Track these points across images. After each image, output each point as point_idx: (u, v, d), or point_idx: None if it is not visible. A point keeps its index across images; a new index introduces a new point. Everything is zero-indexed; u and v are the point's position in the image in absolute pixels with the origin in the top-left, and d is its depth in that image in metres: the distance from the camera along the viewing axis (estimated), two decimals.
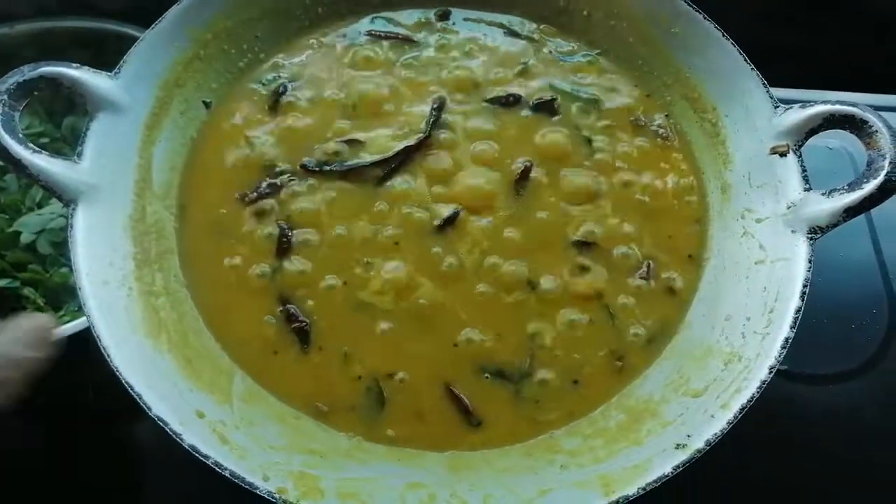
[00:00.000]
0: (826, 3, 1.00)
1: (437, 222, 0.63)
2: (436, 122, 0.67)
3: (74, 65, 0.59)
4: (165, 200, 0.63)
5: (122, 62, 0.62)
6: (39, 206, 0.82)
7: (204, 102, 0.68)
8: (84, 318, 0.54)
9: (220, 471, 0.49)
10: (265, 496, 0.49)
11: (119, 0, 0.91)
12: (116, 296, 0.56)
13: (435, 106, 0.68)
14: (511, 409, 0.59)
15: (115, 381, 0.51)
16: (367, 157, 0.66)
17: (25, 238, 0.79)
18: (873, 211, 0.67)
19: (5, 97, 0.55)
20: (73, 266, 0.55)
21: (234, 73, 0.69)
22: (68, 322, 0.69)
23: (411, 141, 0.66)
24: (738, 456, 0.69)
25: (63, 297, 0.78)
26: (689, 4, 0.67)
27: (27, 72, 0.57)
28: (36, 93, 0.57)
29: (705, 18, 0.66)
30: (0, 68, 0.71)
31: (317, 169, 0.65)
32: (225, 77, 0.69)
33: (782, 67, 0.83)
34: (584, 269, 0.63)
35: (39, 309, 0.76)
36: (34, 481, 0.73)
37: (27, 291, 0.77)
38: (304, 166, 0.65)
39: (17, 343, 0.47)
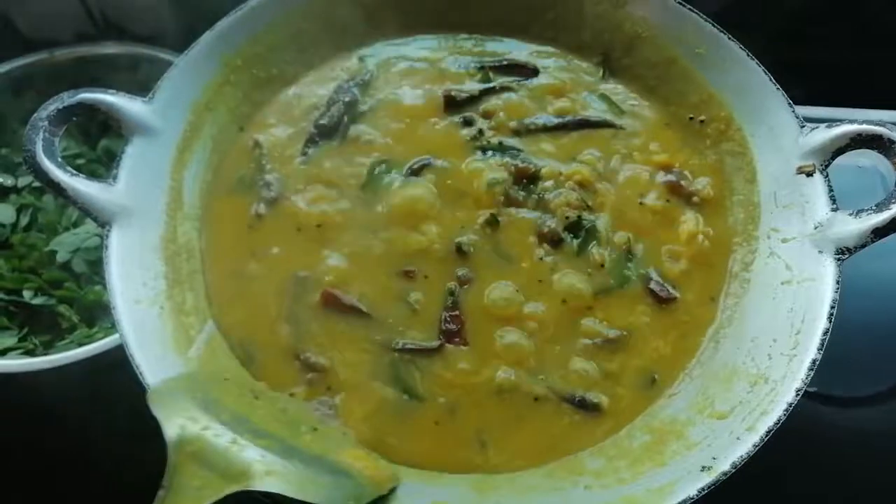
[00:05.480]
0: (854, 20, 1.00)
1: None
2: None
3: (111, 91, 0.61)
4: (196, 221, 0.65)
5: (156, 87, 0.64)
6: (75, 225, 0.85)
7: (238, 127, 0.69)
8: (117, 336, 0.56)
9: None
10: None
11: (154, 27, 0.94)
12: (148, 314, 0.57)
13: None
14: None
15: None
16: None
17: (61, 257, 0.81)
18: None
19: (46, 123, 0.58)
20: (108, 285, 0.56)
21: (264, 98, 0.71)
22: (101, 339, 0.71)
23: None
24: (769, 479, 0.68)
25: (97, 315, 0.80)
26: (713, 25, 0.67)
27: (66, 99, 0.59)
28: (74, 118, 0.60)
29: (730, 39, 0.67)
30: (43, 93, 0.74)
31: None
32: (255, 101, 0.70)
33: (812, 85, 0.83)
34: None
35: (74, 326, 0.79)
36: (64, 496, 0.75)
37: (62, 308, 0.79)
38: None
39: None
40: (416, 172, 0.67)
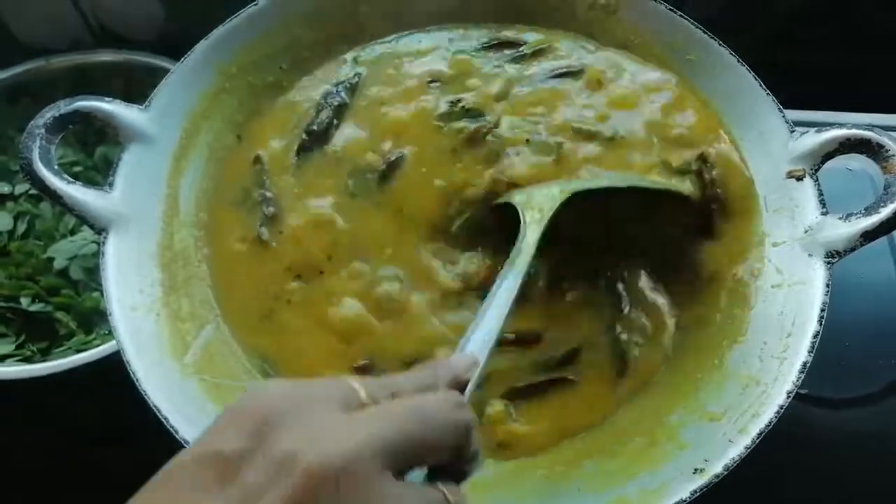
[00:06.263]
0: (847, 22, 1.01)
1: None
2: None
3: (107, 99, 0.62)
4: (192, 228, 0.65)
5: (152, 95, 0.64)
6: (72, 232, 0.85)
7: (235, 136, 0.70)
8: (114, 342, 0.56)
9: None
10: None
11: (149, 34, 0.95)
12: (145, 321, 0.58)
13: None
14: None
15: (142, 403, 0.53)
16: None
17: (59, 264, 0.82)
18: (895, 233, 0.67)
19: (42, 131, 0.58)
20: (104, 292, 0.57)
21: (260, 105, 0.71)
22: (99, 345, 0.72)
23: None
24: (762, 482, 0.68)
25: (94, 321, 0.80)
26: (703, 31, 0.68)
27: (63, 106, 0.60)
28: (71, 126, 0.60)
29: (720, 45, 0.67)
30: (39, 100, 0.74)
31: None
32: (251, 108, 0.71)
33: (805, 87, 0.83)
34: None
35: (71, 332, 0.79)
36: (64, 497, 0.75)
37: (60, 315, 0.79)
38: None
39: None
40: (390, 169, 0.66)
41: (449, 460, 0.36)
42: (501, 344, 0.54)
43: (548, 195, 0.59)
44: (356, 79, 0.71)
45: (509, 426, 0.59)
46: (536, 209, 0.58)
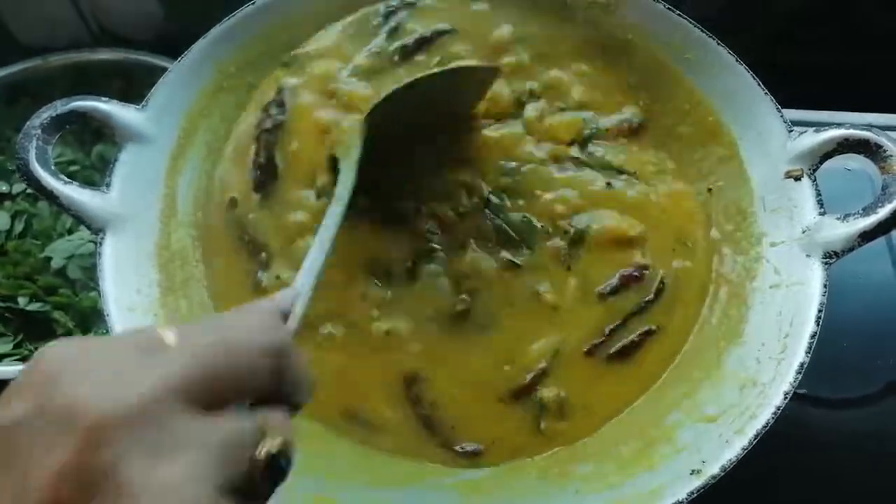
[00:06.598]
0: (847, 22, 1.01)
1: None
2: None
3: (104, 99, 0.61)
4: (190, 228, 0.65)
5: (149, 95, 0.64)
6: (70, 232, 0.85)
7: None
8: None
9: None
10: None
11: (148, 33, 0.95)
12: (143, 322, 0.58)
13: None
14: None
15: None
16: None
17: (56, 263, 0.82)
18: (894, 233, 0.67)
19: (39, 131, 0.58)
20: (101, 293, 0.57)
21: None
22: None
23: None
24: (759, 484, 0.68)
25: (92, 321, 0.80)
26: (702, 30, 0.68)
27: (60, 107, 0.59)
28: (68, 126, 0.60)
29: (718, 44, 0.67)
30: (37, 100, 0.74)
31: None
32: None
33: (805, 87, 0.83)
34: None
35: (69, 332, 0.79)
36: None
37: (57, 315, 0.79)
38: None
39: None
40: None
41: (270, 388, 0.32)
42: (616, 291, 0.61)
43: (351, 129, 0.61)
44: (281, 95, 0.68)
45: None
46: (346, 147, 0.59)
